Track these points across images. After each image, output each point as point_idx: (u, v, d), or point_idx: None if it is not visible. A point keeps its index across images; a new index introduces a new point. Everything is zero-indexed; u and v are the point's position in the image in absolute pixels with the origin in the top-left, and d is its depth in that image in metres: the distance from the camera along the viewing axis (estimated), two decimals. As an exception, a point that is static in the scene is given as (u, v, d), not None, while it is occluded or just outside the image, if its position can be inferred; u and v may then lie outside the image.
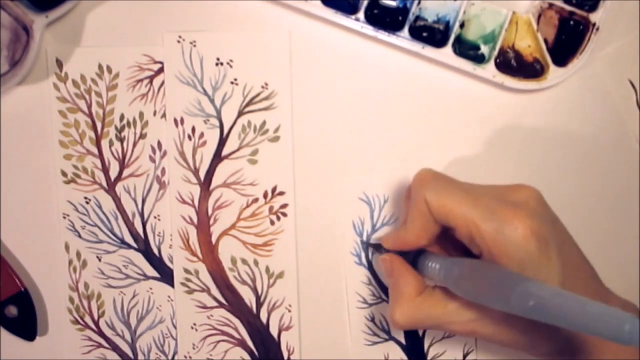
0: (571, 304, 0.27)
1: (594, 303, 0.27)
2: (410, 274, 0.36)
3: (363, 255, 0.43)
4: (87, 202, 0.43)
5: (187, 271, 0.43)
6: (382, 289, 0.43)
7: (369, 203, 0.43)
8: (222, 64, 0.42)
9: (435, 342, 0.44)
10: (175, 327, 0.44)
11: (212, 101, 0.42)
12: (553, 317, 0.27)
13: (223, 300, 0.43)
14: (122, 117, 0.42)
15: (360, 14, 0.40)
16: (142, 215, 0.43)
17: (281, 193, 0.43)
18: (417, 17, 0.41)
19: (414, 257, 0.37)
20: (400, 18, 0.41)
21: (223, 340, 0.44)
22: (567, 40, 0.41)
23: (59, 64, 0.42)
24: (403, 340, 0.44)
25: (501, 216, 0.32)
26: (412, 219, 0.36)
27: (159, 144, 0.43)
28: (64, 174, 0.43)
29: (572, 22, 0.40)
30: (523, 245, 0.32)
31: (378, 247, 0.41)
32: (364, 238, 0.43)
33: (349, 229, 0.43)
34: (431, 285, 0.36)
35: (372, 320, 0.43)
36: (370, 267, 0.43)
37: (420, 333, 0.43)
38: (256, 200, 0.43)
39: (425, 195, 0.35)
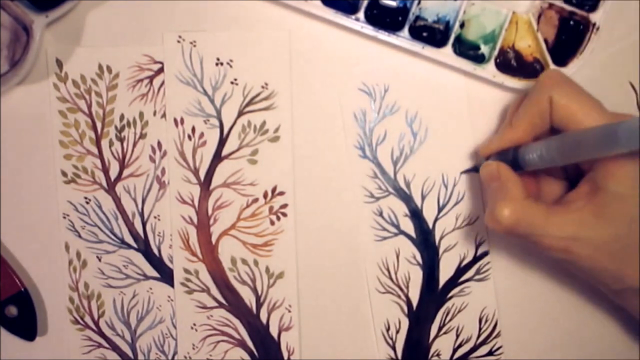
0: None
1: None
2: (517, 178, 0.36)
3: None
4: (87, 202, 0.43)
5: (187, 271, 0.43)
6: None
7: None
8: (222, 64, 0.42)
9: (446, 234, 0.43)
10: (175, 327, 0.44)
11: (212, 101, 0.42)
12: None
13: (223, 301, 0.43)
14: (122, 117, 0.42)
15: (360, 14, 0.40)
16: (142, 215, 0.43)
17: (281, 193, 0.43)
18: (417, 17, 0.41)
19: (512, 157, 0.37)
20: (400, 18, 0.41)
21: (223, 341, 0.44)
22: (567, 40, 0.41)
23: (59, 64, 0.42)
24: (413, 234, 0.43)
25: None
26: (523, 115, 0.36)
27: (159, 144, 0.43)
28: (64, 174, 0.43)
29: (572, 22, 0.40)
30: (633, 169, 0.33)
31: (476, 169, 0.41)
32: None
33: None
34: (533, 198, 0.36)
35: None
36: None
37: (431, 225, 0.43)
38: (256, 200, 0.43)
39: (553, 94, 0.35)
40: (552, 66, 0.40)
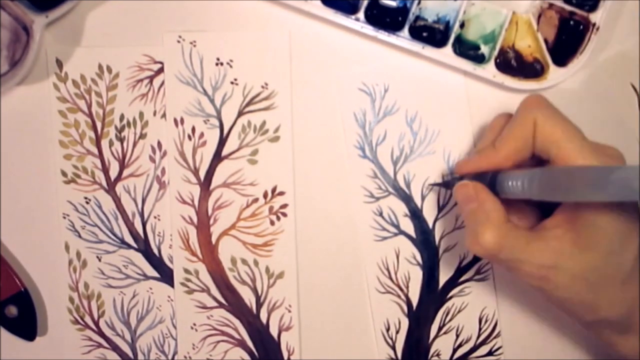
0: None
1: None
2: (497, 200, 0.35)
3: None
4: (87, 202, 0.43)
5: (187, 271, 0.43)
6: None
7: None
8: (222, 64, 0.42)
9: (446, 234, 0.43)
10: (175, 327, 0.44)
11: (212, 101, 0.42)
12: None
13: (223, 301, 0.43)
14: (122, 117, 0.42)
15: (360, 14, 0.40)
16: (142, 215, 0.43)
17: (281, 193, 0.43)
18: (417, 17, 0.41)
19: (490, 181, 0.36)
20: (400, 18, 0.41)
21: (223, 341, 0.44)
22: (567, 40, 0.41)
23: (59, 64, 0.42)
24: (413, 234, 0.43)
25: (603, 164, 0.33)
26: (507, 139, 0.36)
27: (159, 144, 0.43)
28: (64, 174, 0.43)
29: (572, 22, 0.40)
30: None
31: (446, 184, 0.41)
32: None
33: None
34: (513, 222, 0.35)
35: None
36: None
37: (431, 225, 0.43)
38: (256, 200, 0.43)
39: (537, 118, 0.34)
40: (552, 66, 0.40)
